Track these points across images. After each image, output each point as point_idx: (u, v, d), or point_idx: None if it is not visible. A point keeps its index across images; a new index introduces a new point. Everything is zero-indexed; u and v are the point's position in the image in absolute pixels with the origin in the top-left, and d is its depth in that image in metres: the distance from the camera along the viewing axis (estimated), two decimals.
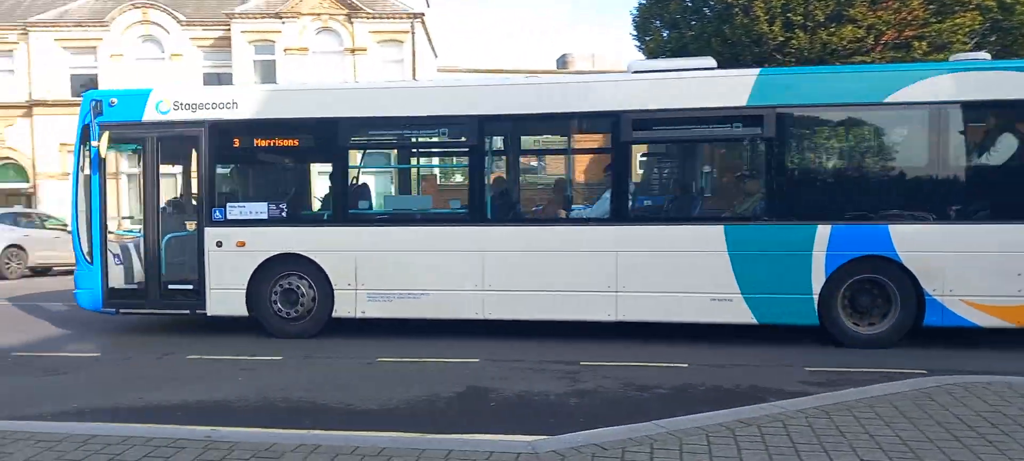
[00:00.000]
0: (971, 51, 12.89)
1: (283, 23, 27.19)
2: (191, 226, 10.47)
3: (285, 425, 5.84)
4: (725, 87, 9.35)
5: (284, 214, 10.05)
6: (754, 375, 7.72)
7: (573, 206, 10.67)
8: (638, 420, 5.66)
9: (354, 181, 10.48)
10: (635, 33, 24.54)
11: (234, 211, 10.07)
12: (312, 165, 10.87)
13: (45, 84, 27.99)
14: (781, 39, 20.07)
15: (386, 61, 27.79)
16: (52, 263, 20.16)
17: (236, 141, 10.17)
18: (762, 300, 9.14)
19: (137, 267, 10.43)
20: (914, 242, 8.87)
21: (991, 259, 8.74)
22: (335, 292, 9.91)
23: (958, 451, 4.84)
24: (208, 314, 10.06)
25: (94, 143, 9.95)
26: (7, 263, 19.10)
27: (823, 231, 8.99)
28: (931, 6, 19.75)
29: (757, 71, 9.55)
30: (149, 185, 10.24)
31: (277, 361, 8.67)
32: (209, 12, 28.89)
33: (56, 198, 26.00)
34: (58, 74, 28.31)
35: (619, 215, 9.54)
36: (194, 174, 10.71)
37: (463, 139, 9.89)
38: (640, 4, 24.08)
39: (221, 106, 10.01)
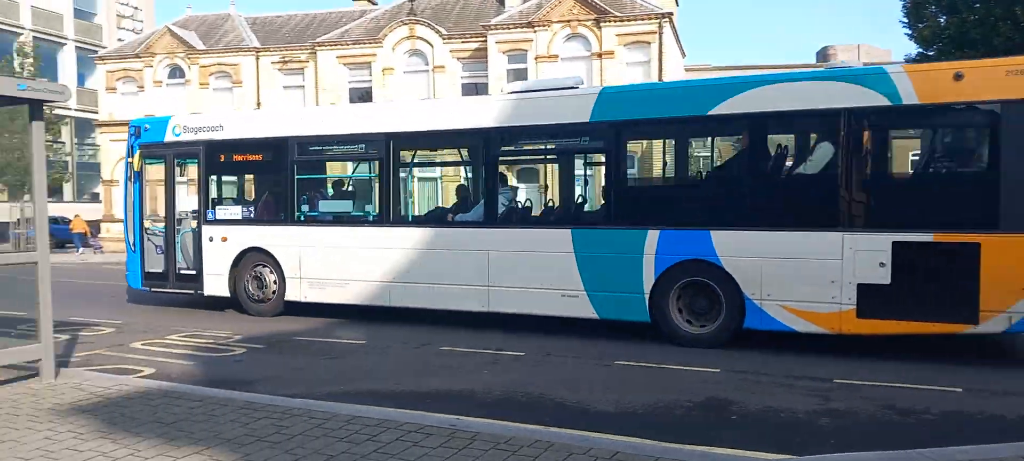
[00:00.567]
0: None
1: (535, 32, 28.16)
2: (195, 225, 12.80)
3: (524, 420, 6.01)
4: (574, 105, 10.21)
5: (252, 215, 12.35)
6: None
7: (458, 211, 11.76)
8: (899, 447, 5.12)
9: (298, 189, 12.10)
10: (905, 20, 22.30)
11: (220, 212, 12.50)
12: (271, 175, 12.51)
13: (329, 97, 31.35)
14: None
15: (631, 63, 27.78)
16: None
17: (222, 156, 12.47)
18: (603, 297, 9.99)
19: (161, 256, 12.89)
20: (734, 248, 9.25)
21: (806, 265, 8.90)
22: (286, 280, 11.98)
23: None
24: (205, 294, 12.45)
25: (131, 159, 12.77)
26: None
27: (652, 236, 9.65)
28: None
29: (599, 89, 10.72)
30: (169, 191, 12.85)
31: (520, 357, 8.97)
32: (467, 25, 30.70)
33: None
34: (339, 88, 31.58)
35: (490, 219, 10.73)
36: (197, 183, 12.90)
37: (373, 152, 11.51)
38: None
39: (212, 129, 12.46)
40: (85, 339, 10.15)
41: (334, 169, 13.36)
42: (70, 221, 32.91)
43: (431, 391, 7.32)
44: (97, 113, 37.69)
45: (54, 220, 28.12)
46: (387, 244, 11.26)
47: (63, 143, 43.88)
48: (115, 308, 13.43)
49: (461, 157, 12.26)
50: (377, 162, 11.49)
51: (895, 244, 8.49)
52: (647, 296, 9.70)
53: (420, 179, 13.00)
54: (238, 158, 12.53)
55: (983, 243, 8.18)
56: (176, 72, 34.19)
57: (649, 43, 27.53)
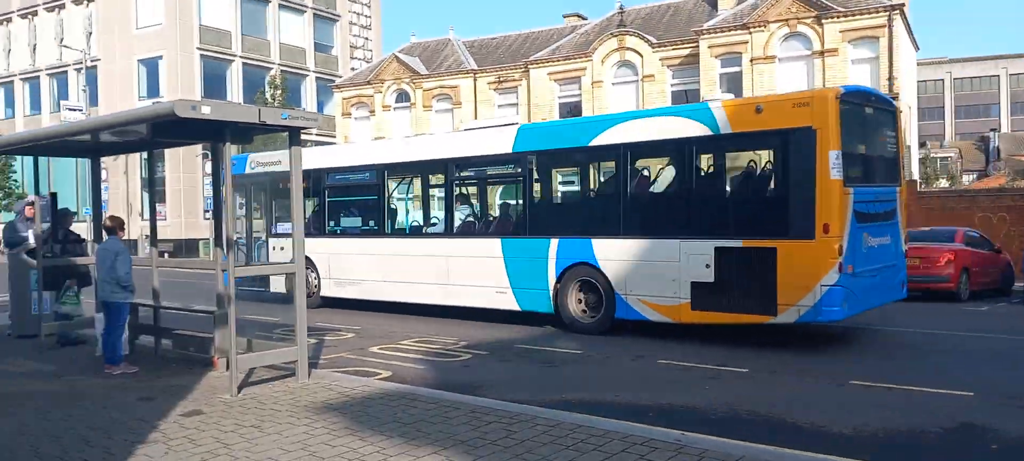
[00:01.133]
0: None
1: (750, 33, 27.15)
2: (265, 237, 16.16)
3: (752, 438, 5.78)
4: (502, 138, 12.61)
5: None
6: None
7: (429, 225, 14.17)
8: None
9: (328, 209, 15.21)
10: None
11: (279, 228, 15.75)
12: (311, 199, 15.15)
13: (540, 113, 32.18)
14: None
15: (857, 61, 25.95)
16: None
17: (281, 184, 15.35)
18: (522, 293, 12.30)
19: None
20: (606, 253, 11.34)
21: (656, 267, 10.73)
22: (321, 281, 15.06)
23: None
24: (271, 291, 15.32)
25: (225, 186, 14.34)
26: None
27: (554, 243, 11.94)
28: None
29: (519, 125, 12.84)
30: (249, 211, 16.34)
31: (743, 373, 8.65)
32: (678, 31, 30.25)
33: None
34: (548, 103, 32.33)
35: (448, 230, 13.33)
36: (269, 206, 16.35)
37: (373, 180, 14.41)
38: None
39: (271, 164, 15.77)
40: (329, 343, 11.12)
41: (351, 193, 15.93)
42: None
43: (652, 404, 7.25)
44: (334, 137, 41.32)
45: None
46: (381, 251, 14.06)
47: None
48: (351, 316, 14.60)
49: (430, 182, 14.47)
50: (375, 187, 14.37)
51: (717, 249, 10.14)
52: (551, 292, 11.94)
53: (404, 199, 15.96)
54: (284, 185, 15.13)
55: (778, 248, 9.63)
56: (403, 96, 36.69)
57: (877, 38, 25.58)
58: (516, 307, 12.34)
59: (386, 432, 5.92)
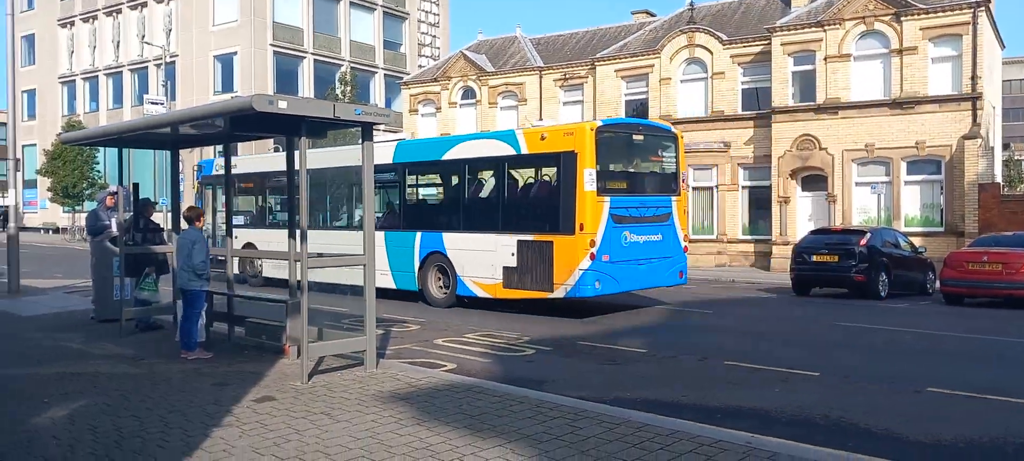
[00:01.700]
0: None
1: (824, 31, 26.41)
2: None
3: (823, 442, 5.65)
4: (386, 150, 15.53)
5: (247, 223, 19.30)
6: None
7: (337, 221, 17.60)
8: None
9: (267, 206, 19.08)
10: None
11: (236, 220, 16.86)
12: (257, 197, 19.29)
13: (606, 111, 31.94)
14: None
15: (938, 59, 24.99)
16: None
17: (242, 184, 18.90)
18: (397, 274, 15.45)
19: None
20: (451, 244, 14.57)
21: (481, 255, 13.91)
22: (263, 265, 18.43)
23: None
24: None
25: (196, 186, 17.28)
26: None
27: (418, 236, 15.19)
28: None
29: (397, 140, 16.36)
30: (229, 207, 18.11)
31: (813, 377, 8.45)
32: (750, 29, 29.63)
33: None
34: (614, 101, 32.07)
35: (349, 225, 16.20)
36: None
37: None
38: None
39: (235, 166, 17.09)
40: (396, 334, 11.29)
41: (279, 192, 18.86)
42: None
43: (718, 406, 7.14)
44: (401, 132, 41.87)
45: None
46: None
47: None
48: (414, 308, 14.79)
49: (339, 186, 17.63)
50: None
51: (518, 242, 13.27)
52: (416, 274, 15.14)
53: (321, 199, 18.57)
54: (243, 185, 19.34)
55: (554, 241, 12.74)
56: (469, 93, 36.89)
57: (960, 35, 24.56)
58: (393, 286, 15.37)
59: (452, 423, 5.98)
